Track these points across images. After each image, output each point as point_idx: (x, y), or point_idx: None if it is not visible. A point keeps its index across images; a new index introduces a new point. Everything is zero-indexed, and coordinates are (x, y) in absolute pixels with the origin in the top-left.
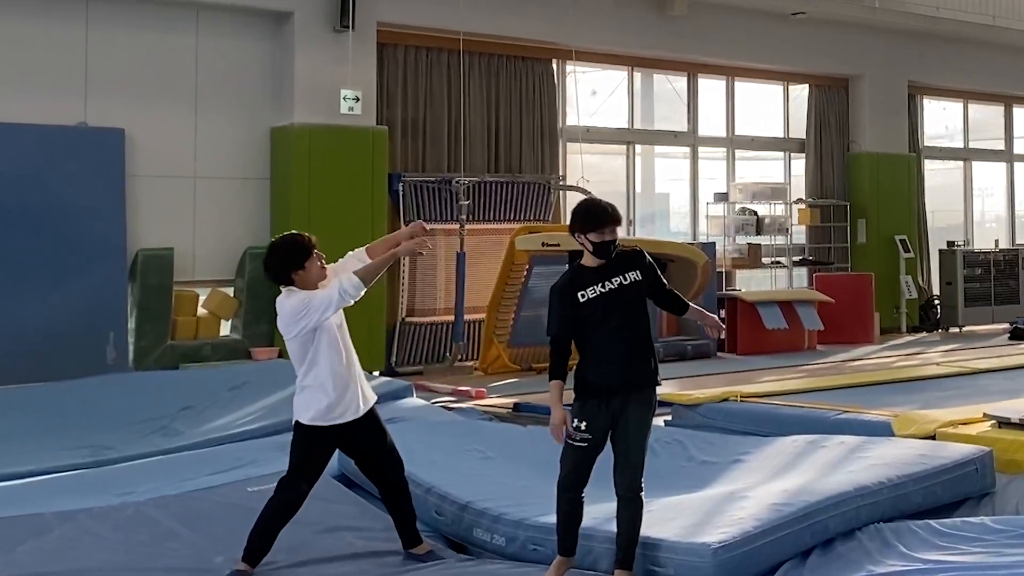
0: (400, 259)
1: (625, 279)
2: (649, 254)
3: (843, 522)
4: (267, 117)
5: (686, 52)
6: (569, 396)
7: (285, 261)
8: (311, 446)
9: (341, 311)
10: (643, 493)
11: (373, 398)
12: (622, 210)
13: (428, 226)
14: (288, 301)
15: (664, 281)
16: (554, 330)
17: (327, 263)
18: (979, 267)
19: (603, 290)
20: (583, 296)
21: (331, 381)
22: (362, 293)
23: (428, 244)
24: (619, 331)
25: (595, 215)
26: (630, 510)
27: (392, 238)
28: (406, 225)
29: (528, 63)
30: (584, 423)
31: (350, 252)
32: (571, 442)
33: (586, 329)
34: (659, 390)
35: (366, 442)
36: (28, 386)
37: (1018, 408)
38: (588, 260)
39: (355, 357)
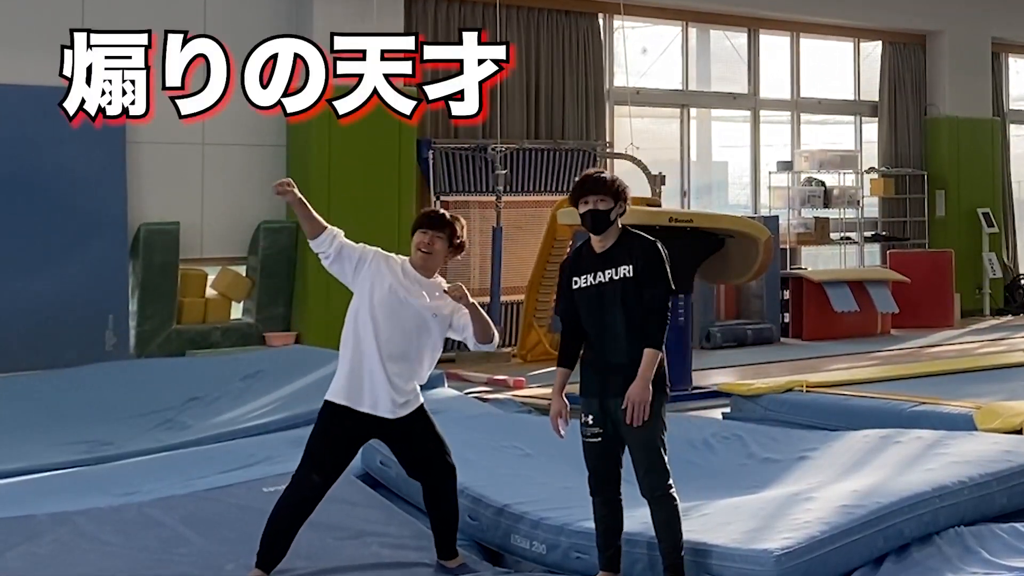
0: None
1: (617, 273)
2: (705, 229)
3: (920, 526)
4: None
5: (746, 5)
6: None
7: None
8: (327, 426)
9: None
10: (673, 490)
11: (408, 403)
12: (674, 179)
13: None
14: None
15: (657, 293)
16: (559, 310)
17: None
18: None
19: (594, 281)
20: (576, 283)
21: (348, 358)
22: (319, 248)
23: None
24: (609, 329)
25: (575, 185)
26: (661, 512)
27: None
28: (436, 197)
29: (572, 18)
30: (590, 417)
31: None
32: (585, 440)
33: (581, 319)
34: (719, 378)
35: (404, 444)
36: (19, 375)
37: None
38: (592, 239)
39: (402, 354)
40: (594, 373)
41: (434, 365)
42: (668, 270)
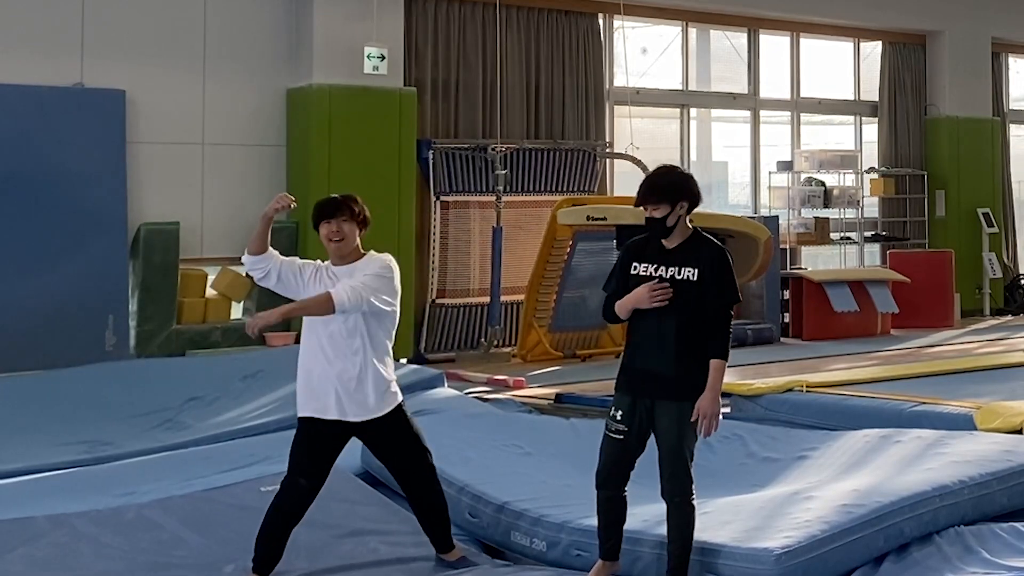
0: (431, 237)
1: (680, 273)
2: (705, 229)
3: (920, 525)
4: (283, 77)
5: (746, 5)
6: None
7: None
8: (301, 437)
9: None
10: (694, 499)
11: (385, 403)
12: None
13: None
14: None
15: (722, 302)
16: (609, 288)
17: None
18: None
19: (655, 274)
20: (635, 269)
21: (302, 368)
22: (252, 266)
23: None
24: (658, 326)
25: (640, 187)
26: (677, 517)
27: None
28: (436, 197)
29: (572, 18)
30: (620, 413)
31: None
32: (607, 432)
33: (636, 312)
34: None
35: (382, 447)
36: (18, 375)
37: None
38: None
39: (348, 348)
40: (632, 372)
41: (392, 340)
42: (735, 279)
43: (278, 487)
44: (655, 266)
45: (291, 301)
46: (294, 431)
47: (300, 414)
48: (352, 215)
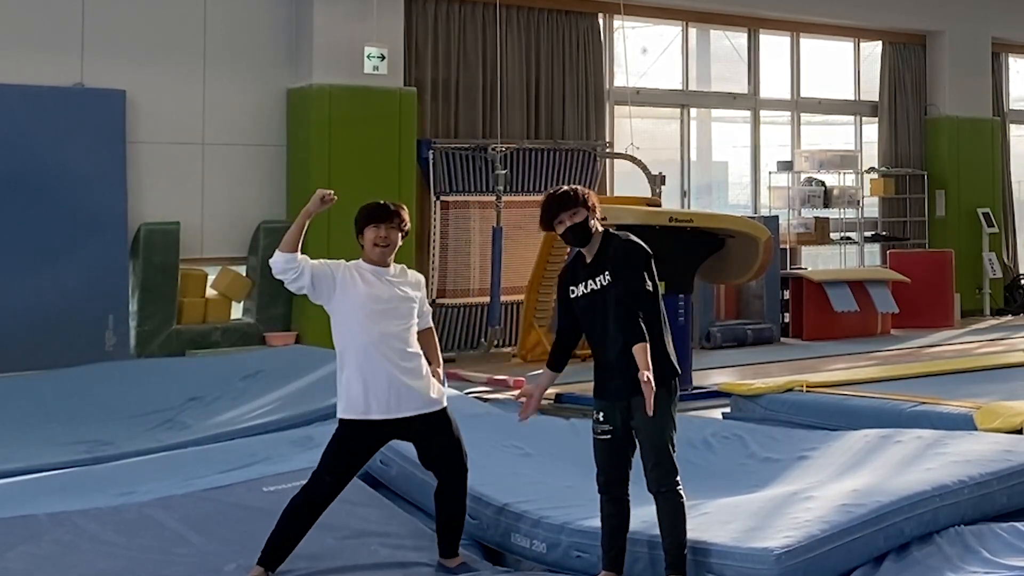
0: (431, 237)
1: (603, 279)
2: (705, 229)
3: (920, 525)
4: (283, 77)
5: (746, 5)
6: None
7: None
8: (347, 443)
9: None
10: (680, 488)
11: (433, 402)
12: (675, 179)
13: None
14: None
15: (628, 289)
16: (562, 323)
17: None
18: None
19: (586, 290)
20: (573, 292)
21: (349, 369)
22: (285, 268)
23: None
24: (609, 337)
25: (543, 211)
26: (666, 507)
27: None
28: (436, 197)
29: (572, 18)
30: (602, 414)
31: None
32: (596, 437)
33: (584, 328)
34: (719, 378)
35: (424, 441)
36: (18, 375)
37: None
38: (583, 249)
39: (400, 347)
40: (601, 375)
41: None
42: (642, 264)
43: (288, 487)
44: (584, 283)
45: (319, 303)
46: (295, 430)
47: (347, 416)
48: (400, 225)
